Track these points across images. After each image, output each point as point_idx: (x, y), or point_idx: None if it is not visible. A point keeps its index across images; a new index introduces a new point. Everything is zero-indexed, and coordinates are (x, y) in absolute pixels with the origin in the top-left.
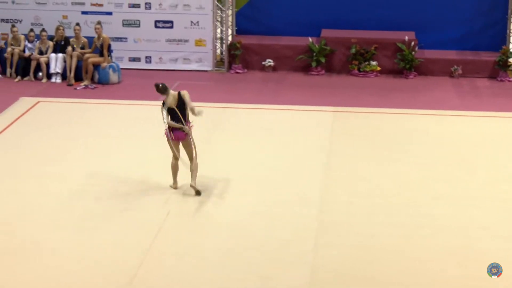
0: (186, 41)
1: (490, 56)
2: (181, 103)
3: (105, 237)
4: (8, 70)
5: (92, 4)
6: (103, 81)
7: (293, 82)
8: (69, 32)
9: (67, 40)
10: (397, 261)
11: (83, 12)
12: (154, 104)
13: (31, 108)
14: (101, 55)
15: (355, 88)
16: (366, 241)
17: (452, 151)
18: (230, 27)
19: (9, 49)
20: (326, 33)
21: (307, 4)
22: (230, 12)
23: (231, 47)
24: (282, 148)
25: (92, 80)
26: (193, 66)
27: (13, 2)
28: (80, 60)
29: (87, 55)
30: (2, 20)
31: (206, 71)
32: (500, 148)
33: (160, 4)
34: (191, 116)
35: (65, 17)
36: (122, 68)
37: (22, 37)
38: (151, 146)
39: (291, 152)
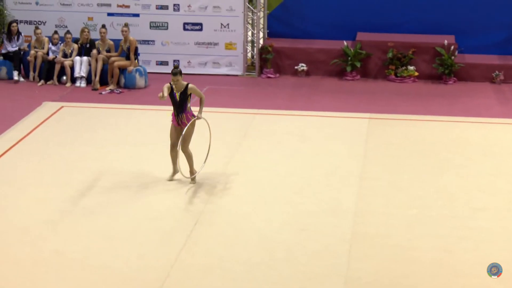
0: (216, 44)
1: None
2: (184, 94)
3: (131, 247)
4: (31, 73)
5: (119, 6)
6: (130, 86)
7: (327, 88)
8: (94, 35)
9: (92, 43)
10: (436, 275)
11: (109, 14)
12: None
13: (54, 113)
14: (128, 58)
15: (391, 94)
16: (403, 254)
17: (493, 160)
18: (262, 29)
19: (32, 51)
20: (361, 36)
21: (342, 6)
22: (261, 14)
23: (263, 50)
24: (315, 156)
25: (118, 84)
26: (223, 70)
27: (36, 3)
28: (105, 63)
29: (113, 59)
30: (26, 22)
31: (236, 75)
32: None
33: (189, 6)
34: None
35: (90, 18)
36: (149, 72)
37: (46, 39)
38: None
39: (324, 161)
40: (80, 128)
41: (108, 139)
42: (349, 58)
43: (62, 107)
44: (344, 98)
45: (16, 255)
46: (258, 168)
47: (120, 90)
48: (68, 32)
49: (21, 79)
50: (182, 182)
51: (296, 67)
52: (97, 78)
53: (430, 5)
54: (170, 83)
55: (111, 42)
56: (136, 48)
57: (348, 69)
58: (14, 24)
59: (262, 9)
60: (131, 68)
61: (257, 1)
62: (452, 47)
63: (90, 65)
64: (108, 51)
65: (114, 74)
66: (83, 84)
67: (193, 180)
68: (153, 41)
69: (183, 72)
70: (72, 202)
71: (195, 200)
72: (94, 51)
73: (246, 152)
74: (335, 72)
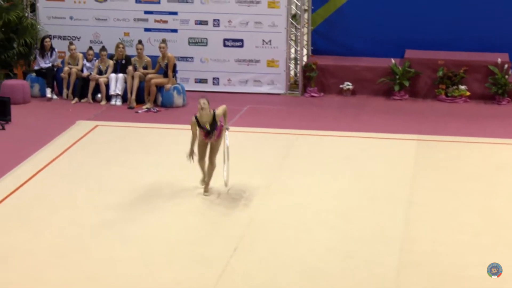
0: (257, 61)
1: None
2: (213, 121)
3: (167, 274)
4: (65, 91)
5: (156, 21)
6: (167, 104)
7: (374, 108)
8: (130, 51)
9: (128, 59)
10: None
11: (146, 29)
12: None
13: (88, 132)
14: (165, 75)
15: (441, 115)
16: (454, 284)
17: None
18: (305, 46)
19: (66, 68)
20: (410, 54)
21: (390, 21)
22: (305, 30)
23: (306, 68)
24: (361, 179)
25: (155, 103)
26: (265, 89)
27: (71, 18)
28: (142, 81)
29: (150, 76)
30: (59, 37)
31: (278, 94)
32: None
33: (229, 21)
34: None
35: (126, 34)
36: (187, 90)
37: (80, 55)
38: (218, 177)
39: (370, 184)
40: (115, 148)
41: (144, 160)
42: (397, 77)
43: (96, 126)
44: (392, 119)
45: (49, 280)
46: (300, 192)
47: (157, 108)
48: (103, 48)
49: (54, 96)
50: (221, 206)
51: (341, 86)
52: (133, 96)
53: (482, 22)
54: (195, 117)
55: (149, 59)
56: (174, 65)
57: (396, 88)
58: (48, 40)
59: (306, 25)
60: (168, 86)
61: (301, 16)
62: (506, 66)
63: (126, 82)
64: (145, 68)
65: (151, 92)
66: (118, 102)
67: (207, 192)
68: (192, 57)
69: (223, 90)
70: (106, 225)
71: (234, 225)
72: (130, 68)
73: (287, 174)
74: (382, 91)
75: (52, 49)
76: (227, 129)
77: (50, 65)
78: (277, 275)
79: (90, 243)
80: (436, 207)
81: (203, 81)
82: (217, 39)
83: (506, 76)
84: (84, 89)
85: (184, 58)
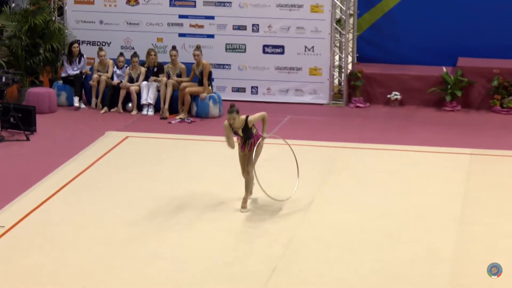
0: (299, 69)
1: None
2: (246, 128)
3: None
4: (94, 99)
5: (191, 26)
6: (202, 115)
7: (423, 119)
8: (163, 57)
9: (160, 66)
10: None
11: (181, 35)
12: None
13: (118, 144)
14: (200, 84)
15: (496, 127)
16: None
17: None
18: (350, 53)
19: (95, 75)
20: (463, 62)
21: (442, 28)
22: (350, 36)
23: (351, 76)
24: (409, 196)
25: (189, 113)
26: (307, 99)
27: (101, 22)
28: (176, 89)
29: (184, 84)
30: (88, 43)
31: (321, 104)
32: None
33: (269, 26)
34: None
35: (160, 40)
36: (224, 100)
37: (111, 62)
38: (258, 192)
39: (419, 201)
40: (146, 161)
41: (176, 174)
42: (449, 86)
43: (127, 137)
44: (443, 131)
45: None
46: (344, 209)
47: (192, 119)
48: (135, 54)
49: (82, 105)
50: (259, 223)
51: (388, 96)
52: (166, 105)
53: None
54: (229, 123)
55: (183, 66)
56: (210, 73)
57: (448, 98)
58: (76, 45)
59: (351, 31)
60: (204, 95)
61: (346, 22)
62: None
63: (158, 91)
64: (179, 75)
65: (185, 101)
66: (150, 112)
67: (244, 207)
68: (229, 65)
69: (262, 100)
70: (136, 244)
71: (273, 244)
72: (163, 77)
73: (330, 190)
74: (433, 102)
75: (80, 55)
76: (265, 137)
77: (78, 72)
78: None
79: (118, 263)
80: (490, 226)
81: (240, 90)
82: (256, 45)
83: None
84: (114, 98)
85: (220, 66)
